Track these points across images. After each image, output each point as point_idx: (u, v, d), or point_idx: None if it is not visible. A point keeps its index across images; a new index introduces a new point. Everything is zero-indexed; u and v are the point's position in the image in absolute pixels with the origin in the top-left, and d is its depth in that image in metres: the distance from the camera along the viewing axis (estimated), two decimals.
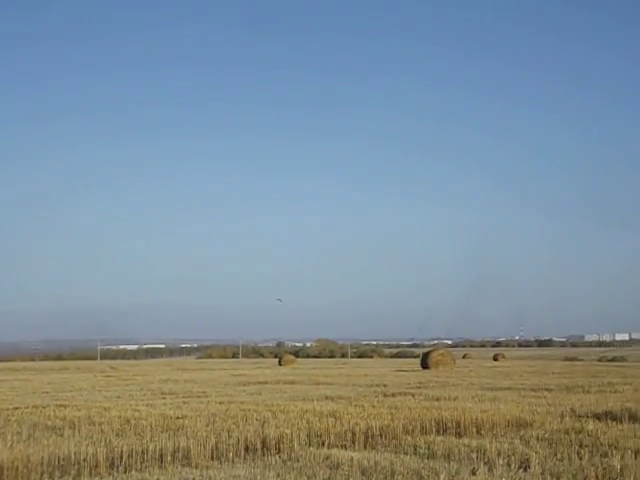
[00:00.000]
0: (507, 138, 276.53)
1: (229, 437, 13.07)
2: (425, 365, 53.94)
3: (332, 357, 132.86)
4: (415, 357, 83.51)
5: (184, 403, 21.76)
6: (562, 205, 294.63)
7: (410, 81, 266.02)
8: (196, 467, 11.30)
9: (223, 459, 11.98)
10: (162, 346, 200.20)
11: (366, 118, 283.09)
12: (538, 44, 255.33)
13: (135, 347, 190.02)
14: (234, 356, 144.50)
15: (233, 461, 11.86)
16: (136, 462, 11.58)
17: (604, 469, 9.83)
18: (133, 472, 11.02)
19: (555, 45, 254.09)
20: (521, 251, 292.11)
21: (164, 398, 24.73)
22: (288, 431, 13.61)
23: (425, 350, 65.26)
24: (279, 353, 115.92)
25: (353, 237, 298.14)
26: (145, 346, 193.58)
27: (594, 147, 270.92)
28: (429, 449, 12.30)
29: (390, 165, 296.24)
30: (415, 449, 12.46)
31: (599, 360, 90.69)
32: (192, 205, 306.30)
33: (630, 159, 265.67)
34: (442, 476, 9.67)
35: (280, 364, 76.85)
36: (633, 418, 15.97)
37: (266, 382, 35.39)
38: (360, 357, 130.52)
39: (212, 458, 12.04)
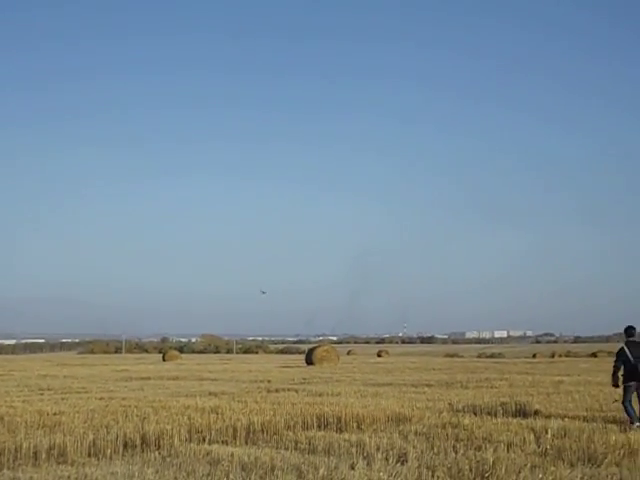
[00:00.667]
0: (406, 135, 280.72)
1: (108, 433, 12.82)
2: (310, 361, 54.27)
3: (217, 353, 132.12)
4: (300, 353, 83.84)
5: (62, 399, 21.19)
6: (447, 203, 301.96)
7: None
8: (72, 464, 11.01)
9: (101, 456, 11.73)
10: (42, 341, 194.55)
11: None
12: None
13: (13, 342, 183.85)
14: (117, 351, 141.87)
15: (111, 458, 11.62)
16: (8, 460, 11.22)
17: (477, 462, 10.10)
18: (5, 471, 10.64)
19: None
20: (406, 249, 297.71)
21: (42, 394, 24.02)
22: (169, 427, 13.46)
23: (310, 346, 65.64)
24: (163, 349, 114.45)
25: (241, 232, 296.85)
26: (23, 341, 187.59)
27: (481, 146, 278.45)
28: (310, 444, 12.37)
29: (280, 161, 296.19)
30: (296, 444, 12.51)
31: (478, 356, 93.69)
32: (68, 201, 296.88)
33: (521, 159, 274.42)
34: (321, 471, 9.74)
35: (164, 360, 75.84)
36: (507, 412, 16.53)
37: (149, 378, 34.88)
38: (246, 353, 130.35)
39: (89, 455, 11.78)
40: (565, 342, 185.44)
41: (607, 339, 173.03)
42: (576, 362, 58.54)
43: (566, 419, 14.98)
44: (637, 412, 14.33)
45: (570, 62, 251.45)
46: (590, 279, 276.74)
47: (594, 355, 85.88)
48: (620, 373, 14.71)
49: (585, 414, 16.01)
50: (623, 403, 14.58)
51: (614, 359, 14.96)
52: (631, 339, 14.90)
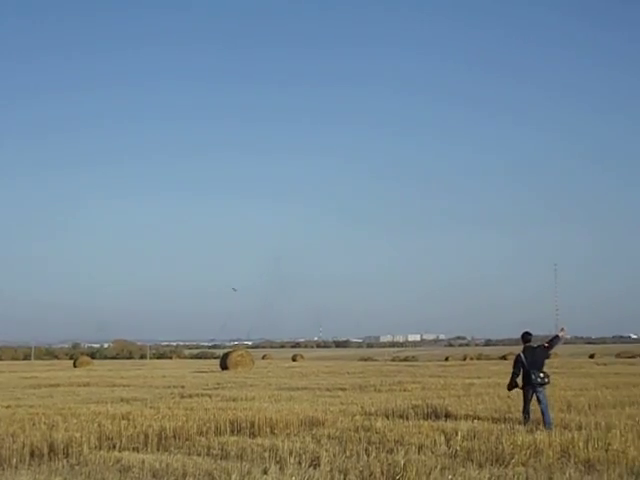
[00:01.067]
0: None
1: (13, 442, 12.49)
2: (224, 366, 53.95)
3: (130, 358, 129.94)
4: (215, 358, 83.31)
5: None
6: (358, 208, 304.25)
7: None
8: None
9: (6, 465, 11.42)
10: None
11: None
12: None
13: None
14: (26, 358, 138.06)
15: (17, 467, 11.32)
16: None
17: (389, 464, 10.22)
18: None
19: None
20: (321, 253, 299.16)
21: None
22: (78, 434, 13.19)
23: (225, 351, 65.25)
24: (75, 355, 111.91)
25: (153, 234, 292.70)
26: None
27: (389, 152, 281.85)
28: (223, 450, 12.31)
29: (195, 166, 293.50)
30: (209, 450, 12.43)
31: (392, 360, 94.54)
32: None
33: (432, 170, 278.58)
34: (234, 476, 9.70)
35: (75, 366, 74.16)
36: (419, 415, 16.77)
37: (58, 385, 34.05)
38: (159, 358, 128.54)
39: None
40: (476, 345, 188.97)
41: (517, 342, 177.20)
42: (487, 365, 59.76)
43: (476, 421, 15.29)
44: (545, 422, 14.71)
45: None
46: (499, 283, 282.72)
47: (504, 358, 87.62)
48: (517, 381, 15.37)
49: (494, 416, 16.37)
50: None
51: (513, 365, 15.56)
52: (528, 345, 15.53)
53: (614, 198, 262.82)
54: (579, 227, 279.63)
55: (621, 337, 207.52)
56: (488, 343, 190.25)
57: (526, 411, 15.23)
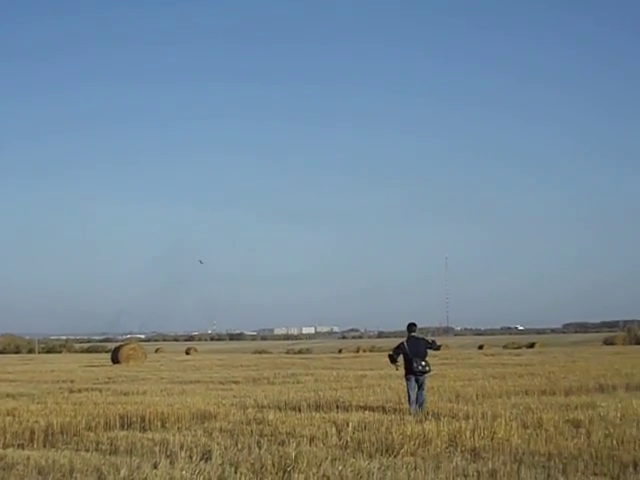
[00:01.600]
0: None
1: None
2: (116, 360, 52.95)
3: (18, 353, 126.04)
4: (107, 352, 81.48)
5: None
6: (257, 202, 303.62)
7: None
8: None
9: None
10: None
11: None
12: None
13: None
14: None
15: None
16: None
17: (280, 456, 10.24)
18: None
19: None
20: (215, 246, 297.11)
21: None
22: None
23: (117, 345, 64.05)
24: None
25: (44, 228, 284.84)
26: None
27: (278, 148, 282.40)
28: (112, 445, 12.10)
29: (86, 156, 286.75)
30: (97, 445, 12.21)
31: (286, 353, 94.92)
32: None
33: (316, 159, 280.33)
34: (123, 471, 9.53)
35: None
36: (311, 407, 16.86)
37: None
38: (49, 352, 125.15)
39: None
40: (369, 337, 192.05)
41: None
42: (379, 357, 60.56)
43: (367, 412, 15.50)
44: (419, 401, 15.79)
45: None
46: (390, 275, 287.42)
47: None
48: (398, 364, 16.27)
49: (385, 407, 16.63)
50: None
51: (394, 349, 16.42)
52: (412, 335, 16.27)
53: (505, 195, 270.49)
54: (470, 222, 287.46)
55: (509, 329, 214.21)
56: (381, 335, 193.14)
57: (411, 399, 15.87)
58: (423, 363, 15.78)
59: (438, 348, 16.30)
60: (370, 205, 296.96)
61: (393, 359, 16.28)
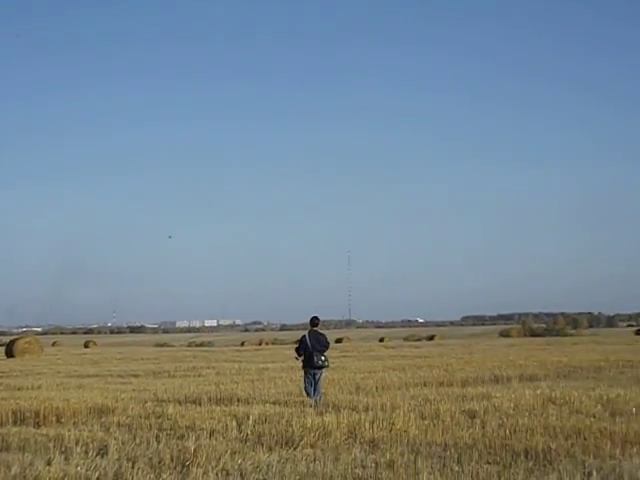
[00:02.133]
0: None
1: None
2: (10, 354, 51.41)
3: None
4: (1, 346, 79.09)
5: None
6: (158, 192, 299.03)
7: None
8: None
9: None
10: None
11: None
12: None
13: None
14: None
15: None
16: None
17: (179, 450, 10.14)
18: None
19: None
20: (115, 237, 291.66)
21: None
22: None
23: (11, 338, 62.19)
24: None
25: None
26: None
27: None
28: (3, 441, 11.74)
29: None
30: None
31: (188, 345, 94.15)
32: None
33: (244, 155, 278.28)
34: (14, 468, 9.26)
35: None
36: (212, 400, 16.76)
37: None
38: None
39: None
40: (272, 330, 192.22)
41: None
42: (281, 349, 60.75)
43: (268, 405, 15.49)
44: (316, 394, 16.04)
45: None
46: (295, 268, 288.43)
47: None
48: (302, 358, 16.40)
49: (286, 399, 16.66)
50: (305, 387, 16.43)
51: (297, 343, 16.78)
52: (315, 329, 16.56)
53: (405, 187, 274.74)
54: (372, 213, 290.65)
55: (409, 321, 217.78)
56: (283, 328, 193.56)
57: (309, 392, 16.18)
58: (323, 358, 16.10)
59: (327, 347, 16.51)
60: (274, 199, 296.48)
61: (299, 353, 16.44)
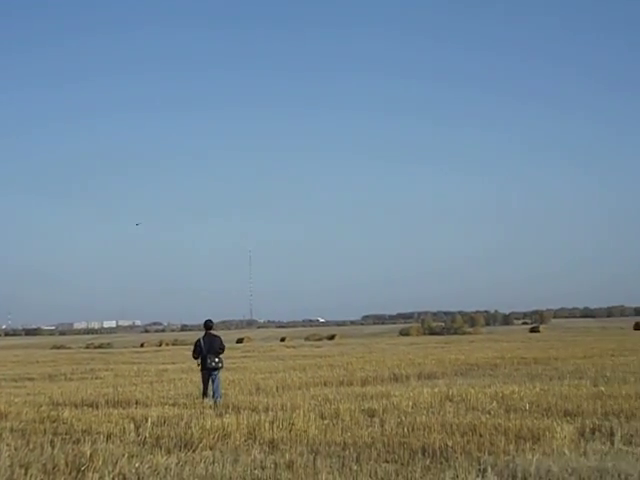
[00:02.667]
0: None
1: None
2: None
3: None
4: None
5: None
6: (64, 189, 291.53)
7: None
8: None
9: None
10: None
11: None
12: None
13: None
14: None
15: None
16: None
17: (75, 455, 9.90)
18: None
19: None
20: (12, 236, 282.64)
21: None
22: None
23: None
24: None
25: None
26: None
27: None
28: None
29: None
30: None
31: (86, 347, 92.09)
32: None
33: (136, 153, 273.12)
34: None
35: None
36: (109, 403, 16.45)
37: None
38: None
39: None
40: (172, 331, 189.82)
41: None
42: (182, 350, 60.07)
43: (167, 407, 15.34)
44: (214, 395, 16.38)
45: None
46: (193, 268, 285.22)
47: None
48: (198, 361, 16.83)
49: (185, 401, 16.52)
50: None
51: (193, 348, 17.12)
52: (209, 332, 16.99)
53: (304, 186, 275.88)
54: (274, 213, 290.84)
55: (310, 321, 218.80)
56: (184, 328, 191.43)
57: (205, 393, 16.63)
58: (216, 360, 16.53)
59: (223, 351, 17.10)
60: (175, 197, 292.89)
61: (195, 356, 16.86)
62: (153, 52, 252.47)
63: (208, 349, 16.54)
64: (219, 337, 17.07)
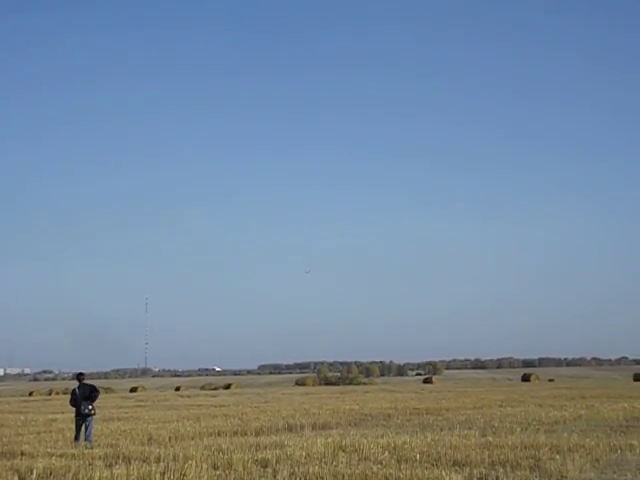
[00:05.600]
0: None
1: None
2: None
3: None
4: None
5: None
6: None
7: None
8: None
9: None
10: None
11: None
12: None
13: None
14: None
15: None
16: None
17: None
18: None
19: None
20: None
21: None
22: None
23: None
24: None
25: None
26: None
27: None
28: None
29: None
30: None
31: None
32: None
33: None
34: None
35: None
36: None
37: None
38: None
39: None
40: (64, 379, 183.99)
41: (105, 375, 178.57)
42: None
43: (54, 458, 14.83)
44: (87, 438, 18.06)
45: None
46: (88, 316, 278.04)
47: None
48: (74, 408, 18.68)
49: (74, 452, 16.03)
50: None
51: (70, 397, 19.02)
52: (82, 383, 18.94)
53: (200, 235, 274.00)
54: (170, 260, 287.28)
55: (206, 369, 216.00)
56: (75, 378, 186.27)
57: (77, 437, 18.33)
58: (90, 407, 18.46)
59: (97, 394, 19.04)
60: (69, 240, 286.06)
61: (72, 404, 18.74)
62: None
63: (82, 397, 18.49)
64: (93, 386, 19.04)
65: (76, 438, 18.23)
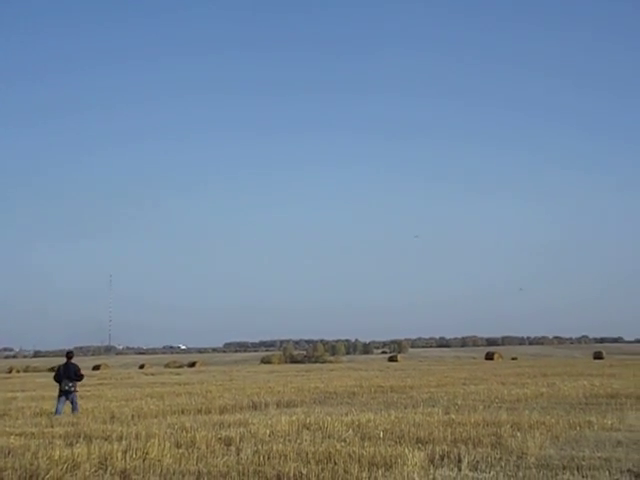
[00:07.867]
0: None
1: None
2: None
3: None
4: None
5: None
6: None
7: None
8: None
9: None
10: None
11: None
12: None
13: None
14: None
15: None
16: None
17: None
18: None
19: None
20: None
21: None
22: None
23: None
24: None
25: None
26: None
27: None
28: None
29: None
30: None
31: None
32: None
33: None
34: None
35: None
36: None
37: None
38: None
39: None
40: (25, 357, 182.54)
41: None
42: (33, 377, 57.93)
43: (13, 437, 14.62)
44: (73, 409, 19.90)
45: None
46: (49, 291, 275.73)
47: (53, 369, 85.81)
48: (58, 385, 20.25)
49: (33, 431, 15.80)
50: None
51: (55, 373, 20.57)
52: (70, 361, 20.20)
53: (170, 211, 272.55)
54: (135, 237, 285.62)
55: (171, 347, 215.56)
56: (37, 354, 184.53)
57: (58, 411, 19.71)
58: (70, 384, 19.96)
59: (80, 378, 20.38)
60: (35, 215, 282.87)
61: (56, 380, 20.28)
62: None
63: (64, 375, 19.92)
64: (76, 365, 20.15)
65: (57, 411, 19.75)
